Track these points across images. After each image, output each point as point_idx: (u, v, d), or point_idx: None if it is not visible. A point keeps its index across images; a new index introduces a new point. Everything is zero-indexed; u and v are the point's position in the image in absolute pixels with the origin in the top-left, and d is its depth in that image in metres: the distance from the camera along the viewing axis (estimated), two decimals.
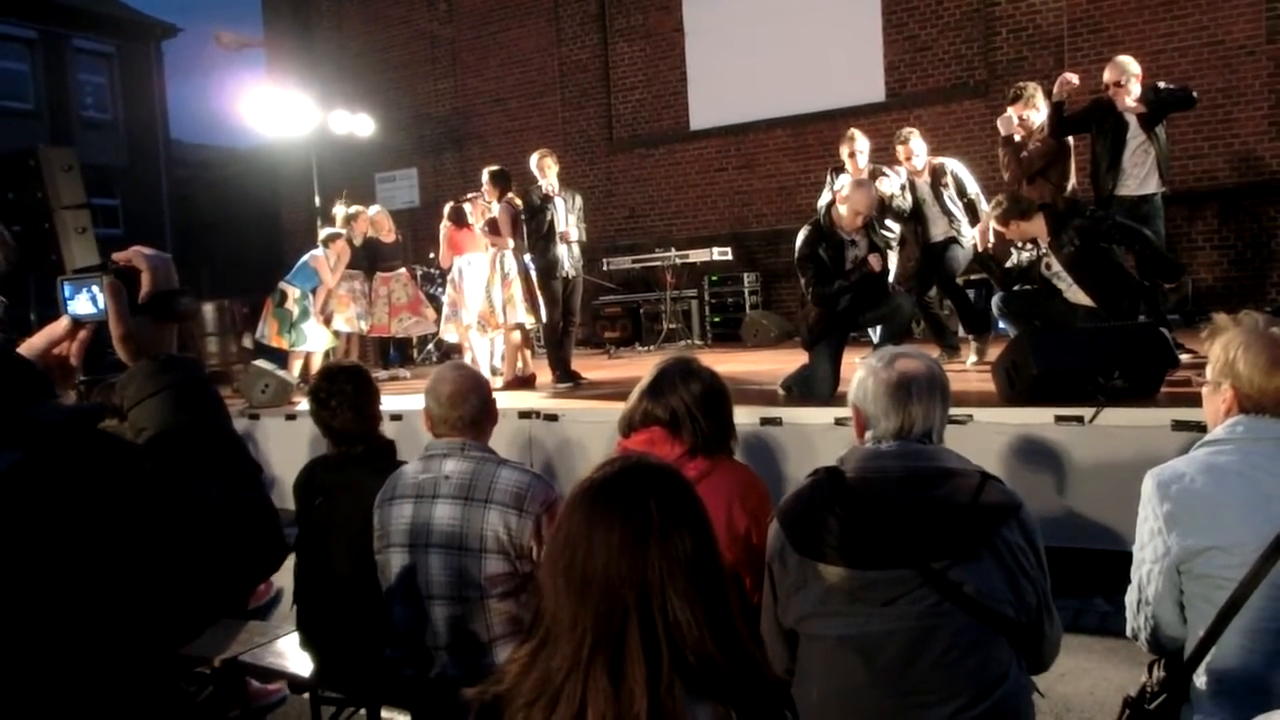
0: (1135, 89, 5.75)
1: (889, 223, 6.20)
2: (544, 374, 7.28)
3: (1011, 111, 6.21)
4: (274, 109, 10.91)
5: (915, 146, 6.43)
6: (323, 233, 8.62)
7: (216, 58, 22.31)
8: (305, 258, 8.35)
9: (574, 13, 12.65)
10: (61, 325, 1.20)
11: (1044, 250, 5.31)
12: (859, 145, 6.52)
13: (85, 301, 1.20)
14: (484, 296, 7.20)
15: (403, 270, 8.89)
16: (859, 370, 2.01)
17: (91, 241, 8.61)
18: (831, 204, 5.38)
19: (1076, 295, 5.29)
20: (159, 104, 21.75)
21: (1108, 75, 5.84)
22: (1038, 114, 6.14)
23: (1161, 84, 5.93)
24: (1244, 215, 9.14)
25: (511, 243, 7.05)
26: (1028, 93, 6.17)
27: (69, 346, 1.20)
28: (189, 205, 21.51)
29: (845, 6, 10.88)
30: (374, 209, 9.03)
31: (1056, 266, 5.28)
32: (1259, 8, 8.96)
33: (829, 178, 6.63)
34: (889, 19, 10.75)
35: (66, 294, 1.21)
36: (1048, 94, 6.08)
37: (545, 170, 6.98)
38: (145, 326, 1.19)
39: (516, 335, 7.31)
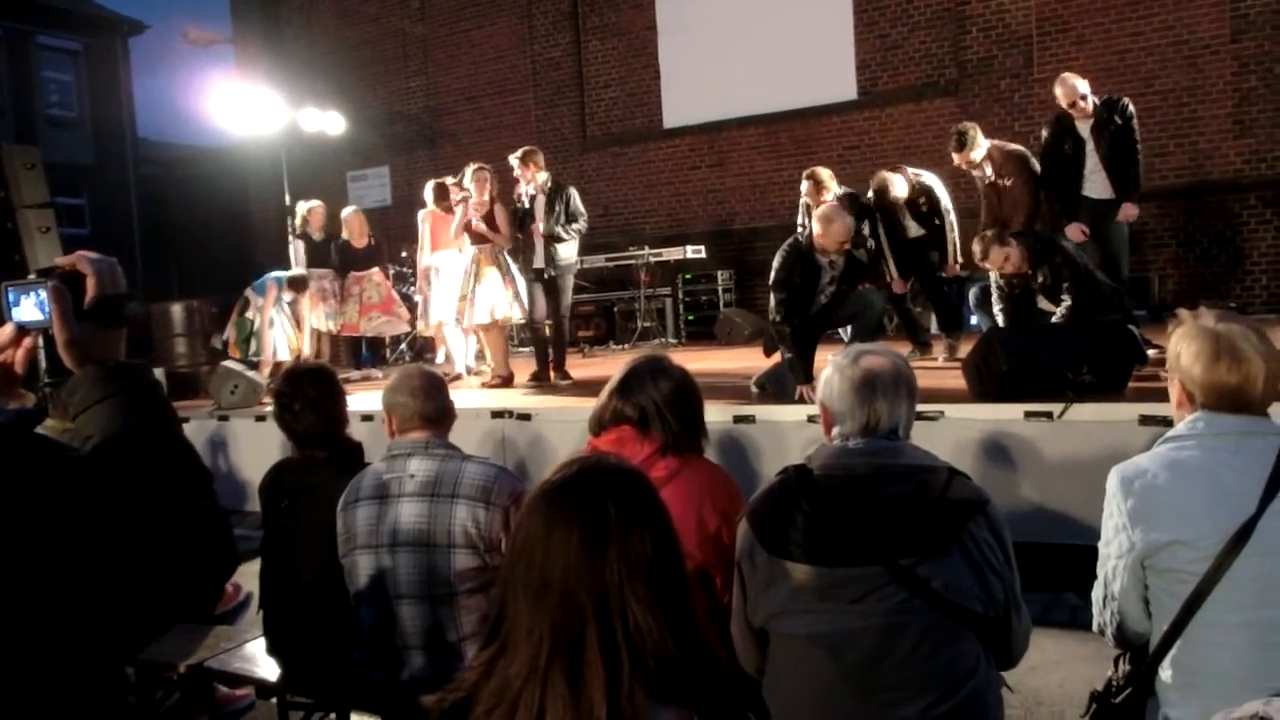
0: (1090, 105, 5.91)
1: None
2: (521, 374, 7.24)
3: (957, 159, 6.29)
4: (243, 106, 10.79)
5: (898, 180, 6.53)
6: (289, 274, 8.35)
7: (185, 55, 22.04)
8: (272, 274, 8.23)
9: (546, 10, 12.61)
10: (6, 332, 1.18)
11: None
12: (828, 184, 6.51)
13: (31, 308, 1.19)
14: (469, 291, 7.04)
15: (375, 270, 8.82)
16: (826, 368, 2.02)
17: (55, 241, 8.48)
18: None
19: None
20: (126, 101, 21.46)
21: (1064, 96, 5.95)
22: (980, 150, 6.23)
23: (1128, 104, 6.00)
24: (1209, 212, 9.27)
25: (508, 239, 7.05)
26: (969, 136, 6.26)
27: (13, 353, 1.18)
28: (157, 204, 21.22)
29: (817, 5, 10.91)
30: (347, 210, 8.93)
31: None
32: (1223, 7, 9.09)
33: (803, 215, 6.61)
34: (860, 18, 10.79)
35: (10, 300, 1.19)
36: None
37: (537, 167, 6.89)
38: (91, 332, 1.17)
39: (503, 333, 7.30)
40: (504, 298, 6.92)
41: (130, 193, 21.00)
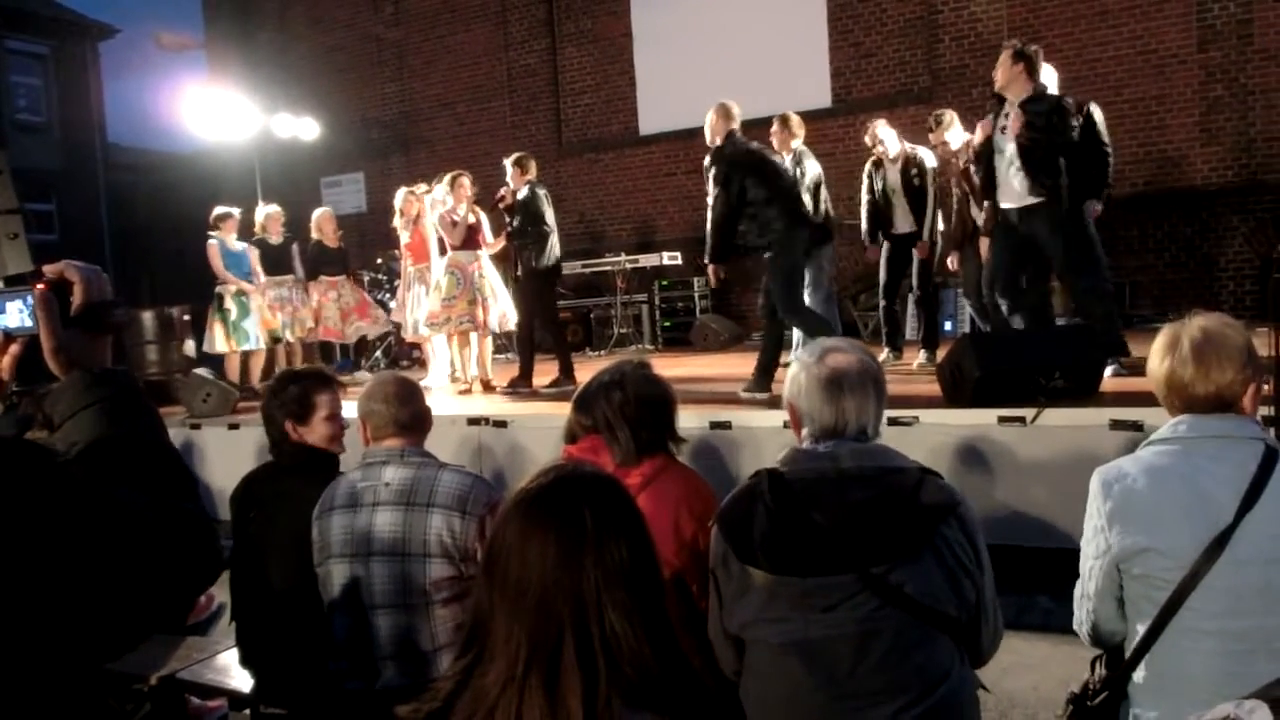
0: None
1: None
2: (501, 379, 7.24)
3: (933, 138, 6.37)
4: (216, 112, 10.72)
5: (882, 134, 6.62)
6: (214, 215, 8.31)
7: (156, 59, 21.85)
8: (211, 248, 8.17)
9: (522, 17, 12.61)
10: None
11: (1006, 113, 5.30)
12: (796, 131, 6.67)
13: (16, 314, 1.19)
14: (465, 296, 7.01)
15: (345, 275, 8.81)
16: (792, 366, 1.98)
17: (23, 247, 8.34)
18: None
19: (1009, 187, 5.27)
20: (96, 106, 21.19)
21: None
22: (954, 132, 6.31)
23: (1090, 107, 6.03)
24: (1177, 219, 9.41)
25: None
26: (945, 120, 6.36)
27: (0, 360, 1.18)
28: (128, 210, 20.96)
29: (792, 13, 10.98)
30: (319, 211, 8.94)
31: (1008, 148, 5.28)
32: (1189, 18, 9.24)
33: None
34: (835, 26, 10.88)
35: None
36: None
37: (523, 171, 6.96)
38: (77, 339, 1.18)
39: (489, 339, 7.31)
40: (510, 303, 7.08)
41: (100, 198, 20.74)
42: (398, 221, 8.01)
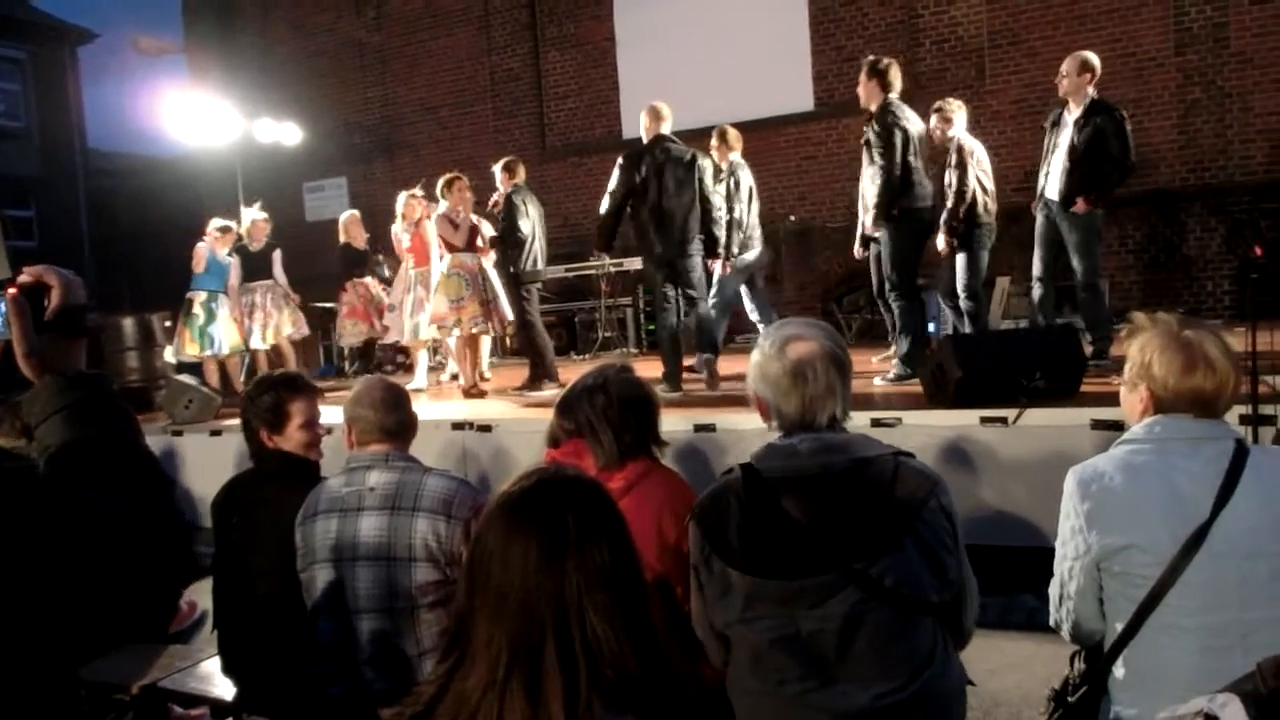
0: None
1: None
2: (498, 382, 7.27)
3: (933, 124, 6.42)
4: (196, 117, 10.66)
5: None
6: (213, 224, 8.28)
7: (136, 64, 21.69)
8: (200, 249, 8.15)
9: (505, 21, 12.61)
10: None
11: None
12: (734, 145, 6.87)
13: None
14: (475, 297, 7.02)
15: (370, 277, 8.87)
16: (753, 354, 1.94)
17: (1, 254, 8.27)
18: None
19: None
20: (75, 111, 21.03)
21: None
22: (952, 129, 6.40)
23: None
24: (1155, 220, 9.49)
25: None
26: (948, 111, 6.51)
27: None
28: (108, 216, 20.80)
29: (774, 18, 11.03)
30: (345, 214, 9.10)
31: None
32: (1167, 22, 9.34)
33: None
34: (816, 30, 10.93)
35: None
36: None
37: (511, 175, 7.04)
38: (51, 343, 1.17)
39: (486, 341, 7.31)
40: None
41: (80, 204, 20.57)
42: (398, 225, 7.95)
